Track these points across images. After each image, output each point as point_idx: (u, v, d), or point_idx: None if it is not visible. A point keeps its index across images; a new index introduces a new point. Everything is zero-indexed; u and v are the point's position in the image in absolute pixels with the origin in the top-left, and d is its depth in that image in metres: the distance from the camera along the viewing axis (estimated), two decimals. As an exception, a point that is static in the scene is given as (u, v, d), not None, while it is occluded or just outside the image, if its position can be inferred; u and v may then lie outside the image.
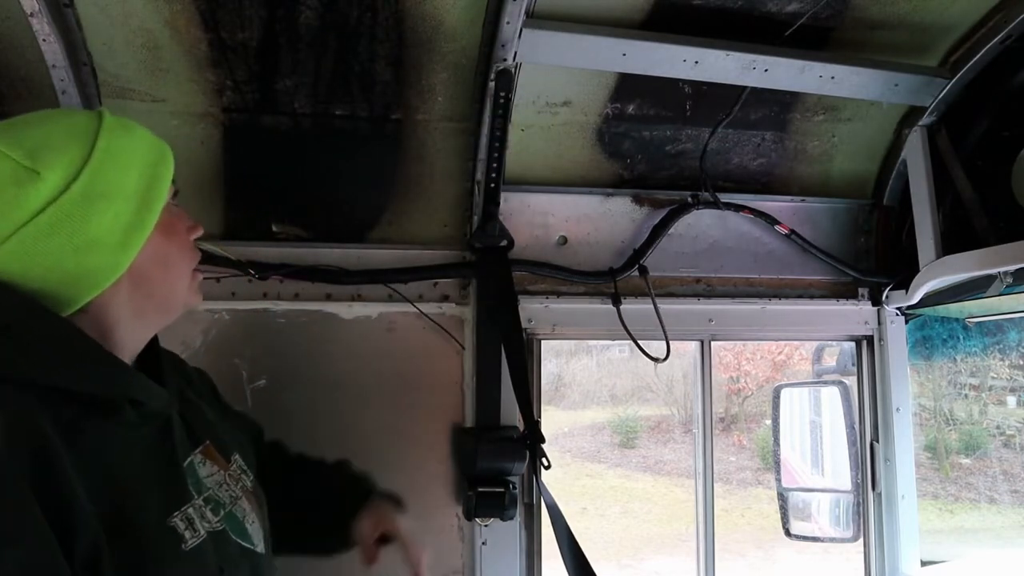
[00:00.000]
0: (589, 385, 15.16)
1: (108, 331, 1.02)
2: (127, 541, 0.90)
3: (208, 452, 1.14)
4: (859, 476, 2.34)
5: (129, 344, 1.06)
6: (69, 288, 0.96)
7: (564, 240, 2.18)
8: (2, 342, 0.91)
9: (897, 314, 2.36)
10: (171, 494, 1.01)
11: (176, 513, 0.99)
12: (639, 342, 2.12)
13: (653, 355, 2.11)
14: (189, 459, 1.09)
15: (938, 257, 2.06)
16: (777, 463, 2.64)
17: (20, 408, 0.87)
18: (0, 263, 0.93)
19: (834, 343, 2.58)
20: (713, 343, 2.30)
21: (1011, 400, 12.08)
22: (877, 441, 2.34)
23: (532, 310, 2.12)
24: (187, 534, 0.99)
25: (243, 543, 1.11)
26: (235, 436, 1.29)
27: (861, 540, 2.35)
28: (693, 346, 2.32)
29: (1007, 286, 1.97)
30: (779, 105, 2.17)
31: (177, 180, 1.11)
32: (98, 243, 0.96)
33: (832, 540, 2.53)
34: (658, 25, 1.83)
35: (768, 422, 11.00)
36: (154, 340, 1.14)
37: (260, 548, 1.16)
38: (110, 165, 0.98)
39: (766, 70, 1.91)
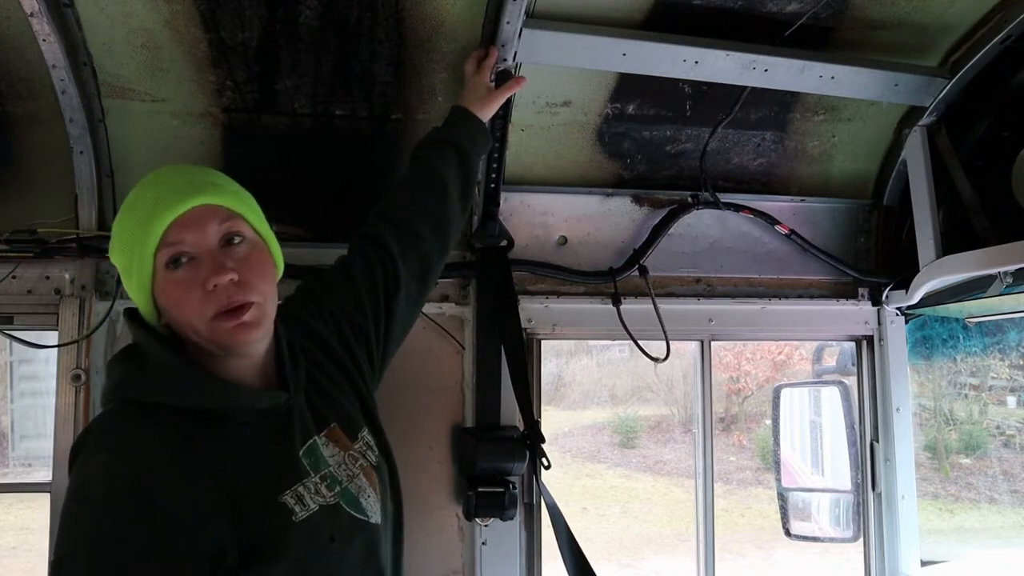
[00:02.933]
0: (589, 385, 15.14)
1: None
2: (246, 518, 1.10)
3: (332, 434, 1.31)
4: (859, 476, 2.34)
5: (234, 361, 1.23)
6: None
7: (564, 240, 2.18)
8: (141, 373, 1.19)
9: (897, 314, 2.36)
10: (283, 476, 1.19)
11: (287, 492, 1.17)
12: (639, 342, 2.12)
13: (653, 355, 2.11)
14: (311, 441, 1.27)
15: (938, 257, 2.06)
16: (777, 463, 2.64)
17: (160, 432, 1.11)
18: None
19: (834, 343, 2.58)
20: (713, 343, 2.30)
21: (1011, 400, 12.07)
22: (877, 441, 2.34)
23: (532, 310, 2.12)
24: (297, 508, 1.17)
25: (356, 515, 1.26)
26: (368, 409, 1.45)
27: (861, 540, 2.35)
28: (693, 346, 2.32)
29: (1007, 286, 1.97)
30: (779, 105, 2.17)
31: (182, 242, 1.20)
32: (136, 302, 1.23)
33: (832, 540, 2.53)
34: (658, 25, 1.83)
35: (768, 422, 11.00)
36: (279, 341, 1.30)
37: (375, 520, 1.30)
38: (116, 249, 1.23)
39: (766, 70, 1.91)
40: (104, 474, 1.07)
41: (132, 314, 1.26)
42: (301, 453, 1.24)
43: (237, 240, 1.22)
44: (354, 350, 1.47)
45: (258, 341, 1.22)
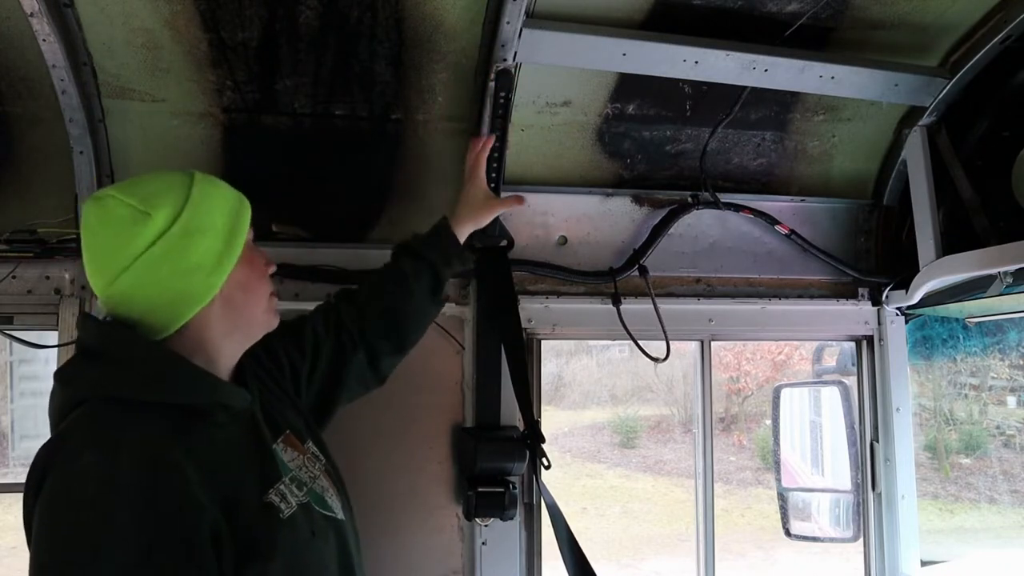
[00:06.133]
0: (589, 385, 15.14)
1: (202, 347, 1.24)
2: (239, 518, 1.12)
3: (288, 439, 1.36)
4: (859, 476, 2.34)
5: (223, 359, 1.28)
6: (174, 307, 1.20)
7: (564, 240, 2.18)
8: (120, 370, 1.15)
9: (897, 314, 2.36)
10: (265, 475, 1.23)
11: (271, 490, 1.21)
12: (639, 342, 2.11)
13: (653, 355, 2.11)
14: (273, 446, 1.30)
15: (938, 257, 2.06)
16: (777, 463, 2.64)
17: (148, 428, 1.10)
18: (122, 287, 1.18)
19: (834, 343, 2.58)
20: (713, 343, 2.30)
21: (1011, 400, 12.06)
22: (877, 441, 2.34)
23: (532, 310, 2.12)
24: (282, 506, 1.21)
25: (325, 512, 1.32)
26: (309, 425, 1.49)
27: (861, 540, 2.35)
28: (693, 346, 2.32)
29: (1007, 286, 1.97)
30: (779, 105, 2.17)
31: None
32: (197, 268, 1.19)
33: (832, 540, 2.53)
34: (658, 25, 1.83)
35: (768, 422, 11.00)
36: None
37: (340, 516, 1.36)
38: (203, 207, 1.22)
39: (766, 70, 1.91)
40: (98, 474, 1.04)
41: (95, 318, 1.26)
42: (272, 454, 1.28)
43: None
44: (289, 380, 1.54)
45: None
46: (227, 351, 1.29)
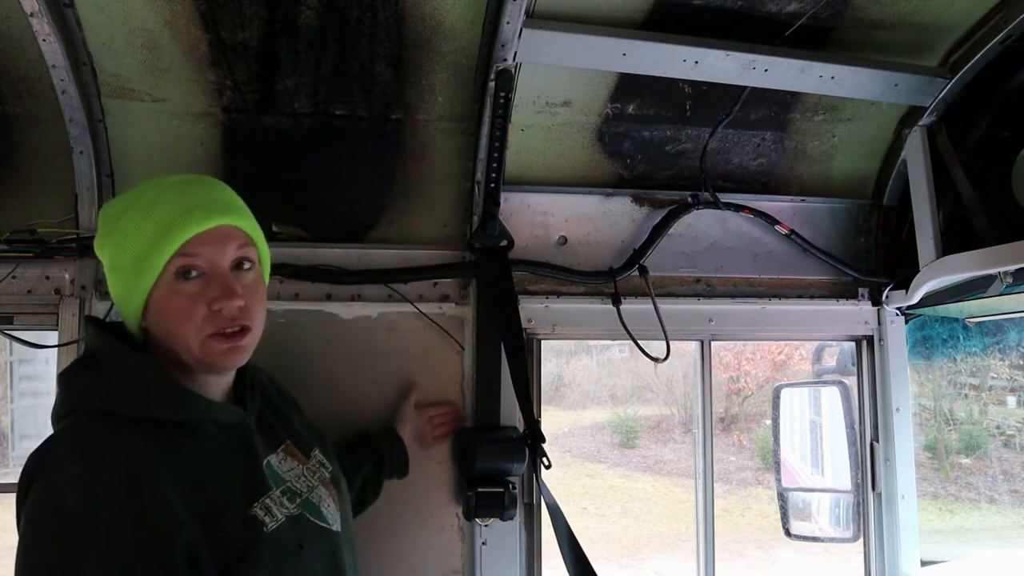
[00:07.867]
0: (589, 385, 15.16)
1: (173, 363, 1.24)
2: (219, 531, 1.12)
3: (288, 450, 1.38)
4: (859, 476, 2.34)
5: (205, 384, 1.27)
6: (129, 324, 1.26)
7: (564, 240, 2.18)
8: (110, 384, 1.17)
9: (897, 314, 2.36)
10: (251, 489, 1.23)
11: (256, 504, 1.21)
12: (639, 342, 2.11)
13: (653, 355, 2.11)
14: (268, 458, 1.31)
15: (938, 257, 2.06)
16: (777, 463, 2.64)
17: (131, 443, 1.10)
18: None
19: (834, 343, 2.58)
20: (713, 343, 2.30)
21: (1011, 400, 12.07)
22: (877, 441, 2.34)
23: (532, 310, 2.12)
24: (267, 519, 1.21)
25: (319, 523, 1.33)
26: (314, 431, 1.52)
27: (861, 540, 2.35)
28: (693, 346, 2.32)
29: (1007, 286, 1.97)
30: (779, 105, 2.17)
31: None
32: (118, 299, 1.25)
33: (832, 540, 2.53)
34: (658, 25, 1.83)
35: (768, 422, 11.00)
36: (246, 364, 1.31)
37: (336, 527, 1.36)
38: (118, 243, 1.22)
39: (766, 70, 1.91)
40: (82, 486, 1.05)
41: (97, 322, 1.28)
42: (263, 468, 1.28)
43: (247, 266, 1.26)
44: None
45: (241, 364, 1.28)
46: (197, 378, 1.25)
